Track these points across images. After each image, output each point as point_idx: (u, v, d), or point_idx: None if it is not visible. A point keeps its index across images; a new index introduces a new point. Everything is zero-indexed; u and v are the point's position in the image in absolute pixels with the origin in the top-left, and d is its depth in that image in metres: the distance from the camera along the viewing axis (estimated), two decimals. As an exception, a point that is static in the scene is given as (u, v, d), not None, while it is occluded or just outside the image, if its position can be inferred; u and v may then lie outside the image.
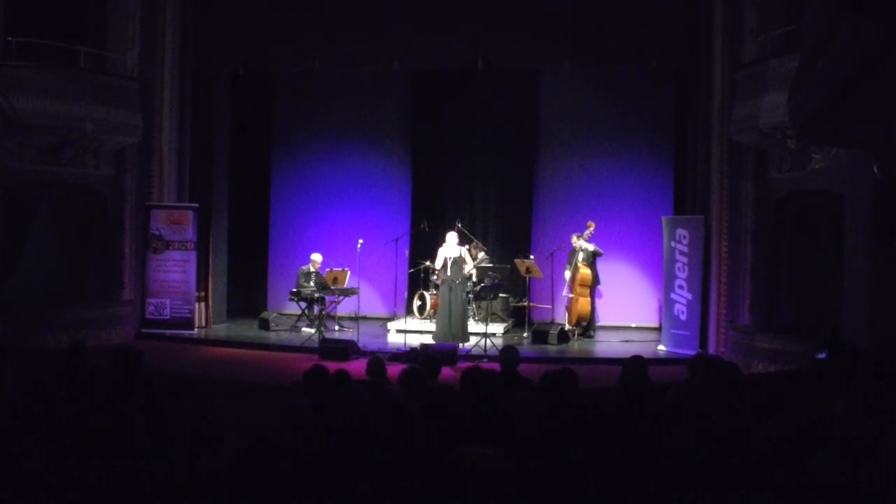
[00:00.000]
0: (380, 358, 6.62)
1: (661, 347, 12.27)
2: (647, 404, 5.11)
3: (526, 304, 13.73)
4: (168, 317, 13.02)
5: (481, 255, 13.65)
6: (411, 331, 12.90)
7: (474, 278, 13.06)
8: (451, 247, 11.86)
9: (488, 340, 11.49)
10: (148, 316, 13.04)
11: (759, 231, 11.22)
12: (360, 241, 12.80)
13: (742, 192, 11.41)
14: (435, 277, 13.60)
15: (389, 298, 14.05)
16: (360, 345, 11.43)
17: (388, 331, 13.37)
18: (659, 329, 13.35)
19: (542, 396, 4.93)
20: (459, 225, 13.32)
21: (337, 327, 13.55)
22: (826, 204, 10.04)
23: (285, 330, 13.43)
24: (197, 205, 13.28)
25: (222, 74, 13.72)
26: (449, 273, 11.79)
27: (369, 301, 14.43)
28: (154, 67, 12.87)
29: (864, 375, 5.07)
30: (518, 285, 13.94)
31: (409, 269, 14.12)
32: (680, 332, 11.99)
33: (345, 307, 13.90)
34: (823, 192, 10.06)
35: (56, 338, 11.12)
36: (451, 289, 11.76)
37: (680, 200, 13.24)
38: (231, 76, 13.81)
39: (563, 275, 13.32)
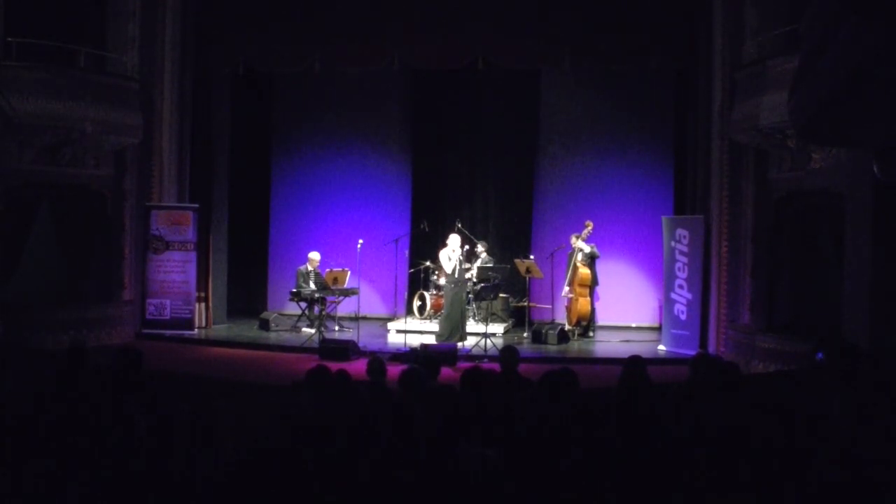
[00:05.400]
0: (380, 358, 6.62)
1: (661, 347, 12.27)
2: (647, 404, 5.11)
3: (526, 304, 13.73)
4: (168, 317, 13.01)
5: (483, 254, 13.65)
6: (411, 331, 12.89)
7: (474, 278, 13.09)
8: (454, 249, 11.90)
9: (488, 340, 11.50)
10: (148, 316, 13.04)
11: (759, 231, 11.22)
12: (360, 241, 12.81)
13: (742, 192, 11.42)
14: (435, 278, 13.62)
15: (389, 298, 14.05)
16: (361, 345, 11.42)
17: (388, 331, 13.37)
18: (659, 329, 13.35)
19: (542, 396, 4.93)
20: (459, 225, 13.32)
21: (337, 327, 13.55)
22: (826, 204, 10.03)
23: (285, 330, 13.43)
24: (197, 205, 13.27)
25: (222, 74, 13.72)
26: (456, 274, 11.83)
27: (369, 301, 14.43)
28: (154, 67, 12.87)
29: (863, 375, 5.07)
30: (518, 285, 13.94)
31: (409, 269, 14.12)
32: (680, 331, 11.99)
33: (345, 307, 13.90)
34: (823, 192, 10.05)
35: (56, 338, 11.11)
36: (457, 289, 11.81)
37: (680, 200, 13.25)
38: (231, 76, 13.80)
39: (563, 275, 13.32)
